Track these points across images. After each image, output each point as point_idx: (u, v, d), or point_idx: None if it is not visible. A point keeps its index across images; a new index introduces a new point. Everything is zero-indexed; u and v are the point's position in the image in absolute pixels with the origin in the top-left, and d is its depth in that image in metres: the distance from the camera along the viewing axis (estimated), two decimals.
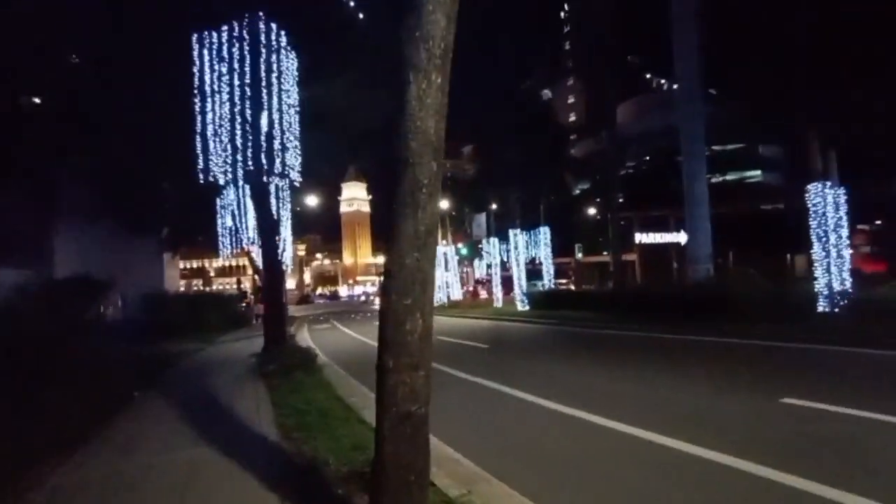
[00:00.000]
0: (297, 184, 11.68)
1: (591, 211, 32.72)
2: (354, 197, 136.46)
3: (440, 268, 30.40)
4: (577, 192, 34.76)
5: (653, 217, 33.83)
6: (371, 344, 13.66)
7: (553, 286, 20.68)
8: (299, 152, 11.57)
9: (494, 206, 27.07)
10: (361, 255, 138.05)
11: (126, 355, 12.29)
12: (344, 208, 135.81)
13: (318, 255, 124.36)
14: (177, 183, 21.63)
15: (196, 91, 10.38)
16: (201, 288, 53.34)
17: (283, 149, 10.86)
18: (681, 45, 13.25)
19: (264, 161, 10.64)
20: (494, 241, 23.13)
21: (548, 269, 20.19)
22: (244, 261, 75.53)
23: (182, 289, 36.15)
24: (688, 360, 7.94)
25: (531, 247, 33.36)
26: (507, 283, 32.21)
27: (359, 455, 3.75)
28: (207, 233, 23.70)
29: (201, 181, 10.45)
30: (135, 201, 20.26)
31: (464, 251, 32.30)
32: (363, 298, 69.89)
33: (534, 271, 23.27)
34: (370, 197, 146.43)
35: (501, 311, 18.83)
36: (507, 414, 5.43)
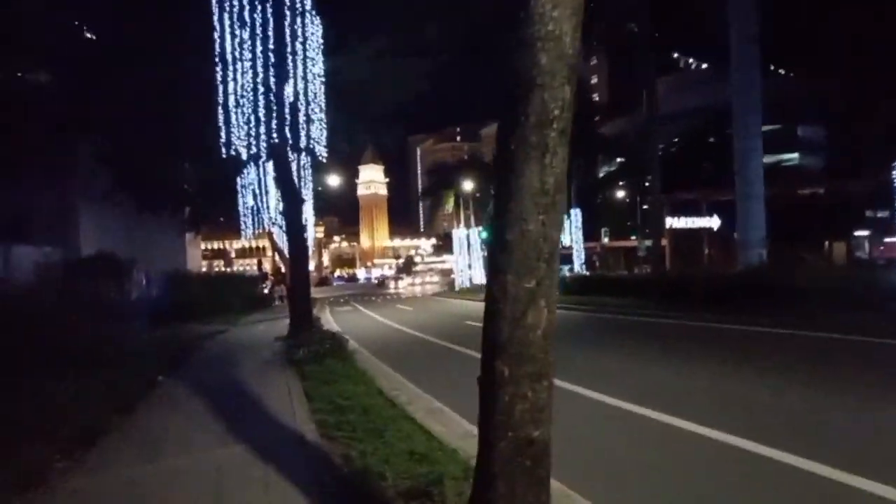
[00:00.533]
0: (322, 159, 11.03)
1: (620, 194, 31.47)
2: (372, 179, 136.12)
3: (462, 250, 29.69)
4: (602, 174, 33.48)
5: (684, 201, 32.45)
6: (399, 328, 13.32)
7: (585, 271, 19.81)
8: (325, 125, 10.91)
9: None
10: (379, 237, 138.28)
11: (150, 336, 12.01)
12: (361, 191, 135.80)
13: (336, 238, 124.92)
14: (197, 161, 21.28)
15: (217, 59, 9.73)
16: (223, 269, 53.76)
17: (309, 121, 10.21)
18: (737, 2, 12.04)
19: (289, 135, 10.02)
20: None
21: (578, 253, 19.32)
22: (265, 242, 76.28)
23: (204, 269, 36.28)
24: (770, 354, 7.11)
25: None
26: None
27: (418, 466, 3.13)
28: (228, 213, 23.42)
29: (223, 155, 9.87)
30: (155, 180, 19.86)
31: (484, 234, 31.38)
32: (376, 281, 69.82)
33: (560, 255, 22.47)
34: (387, 179, 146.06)
35: None
36: (607, 427, 4.46)
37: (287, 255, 25.51)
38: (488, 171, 27.23)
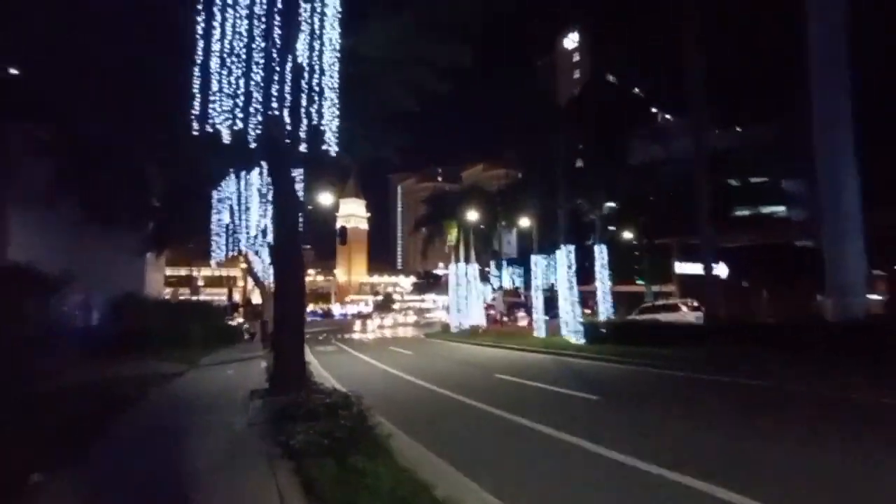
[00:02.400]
0: (332, 152, 8.35)
1: (627, 235, 29.68)
2: (353, 213, 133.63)
3: (460, 289, 26.96)
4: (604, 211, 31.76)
5: (690, 245, 30.94)
6: (414, 381, 10.23)
7: (612, 316, 17.28)
8: (337, 108, 8.30)
9: (525, 223, 23.83)
10: (356, 272, 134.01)
11: (74, 378, 8.69)
12: (341, 224, 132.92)
13: (311, 271, 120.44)
14: (166, 150, 17.76)
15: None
16: (188, 297, 49.24)
17: (321, 95, 7.65)
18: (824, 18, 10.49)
19: (288, 119, 7.43)
20: (538, 259, 19.73)
21: (604, 294, 16.88)
22: (236, 271, 71.51)
23: (167, 297, 32.19)
24: None
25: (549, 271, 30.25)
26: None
27: None
28: (199, 232, 20.17)
29: (195, 131, 7.10)
30: (107, 183, 16.37)
31: (504, 269, 28.87)
32: (355, 317, 65.84)
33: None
34: (368, 214, 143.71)
35: (551, 344, 15.42)
36: None
37: (267, 284, 22.26)
38: (493, 203, 25.02)
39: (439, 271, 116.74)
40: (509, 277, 36.21)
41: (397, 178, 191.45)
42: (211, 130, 7.02)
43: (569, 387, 8.29)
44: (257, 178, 15.78)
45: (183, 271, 66.24)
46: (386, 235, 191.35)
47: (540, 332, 18.85)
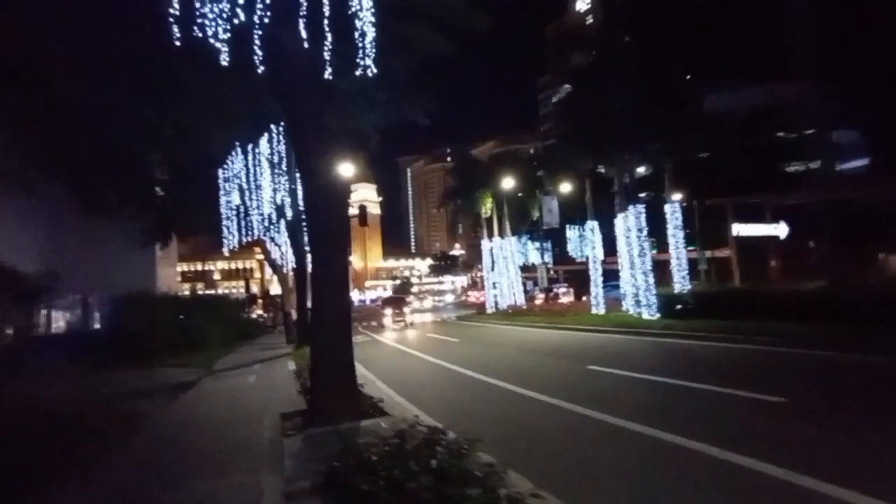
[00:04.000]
0: (371, 71, 5.93)
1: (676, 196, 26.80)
2: (365, 198, 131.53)
3: (496, 265, 24.53)
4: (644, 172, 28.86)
5: (748, 205, 28.02)
6: (478, 377, 7.47)
7: (691, 287, 14.71)
8: (374, 32, 5.86)
9: (567, 188, 21.14)
10: (371, 258, 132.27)
11: (56, 396, 6.68)
12: (353, 211, 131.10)
13: None
14: (162, 145, 15.56)
15: None
16: (204, 292, 47.78)
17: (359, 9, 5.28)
18: None
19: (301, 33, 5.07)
20: (594, 225, 17.15)
21: (679, 262, 14.35)
22: (252, 262, 70.14)
23: (181, 293, 30.38)
24: None
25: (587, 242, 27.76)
26: (584, 282, 26.34)
27: None
28: (207, 217, 18.01)
29: (176, 38, 4.76)
30: (92, 159, 13.94)
31: (528, 244, 26.23)
32: (379, 303, 63.80)
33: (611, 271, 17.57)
34: (380, 198, 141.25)
35: (619, 321, 13.06)
36: None
37: (285, 272, 20.11)
38: (531, 168, 22.22)
39: (456, 252, 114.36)
40: (536, 252, 33.69)
41: (405, 161, 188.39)
42: (200, 38, 4.70)
43: (711, 381, 5.97)
44: (267, 147, 13.56)
45: (199, 266, 65.20)
46: (398, 219, 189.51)
47: (599, 307, 16.46)
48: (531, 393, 6.14)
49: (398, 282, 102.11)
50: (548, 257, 33.97)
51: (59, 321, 11.71)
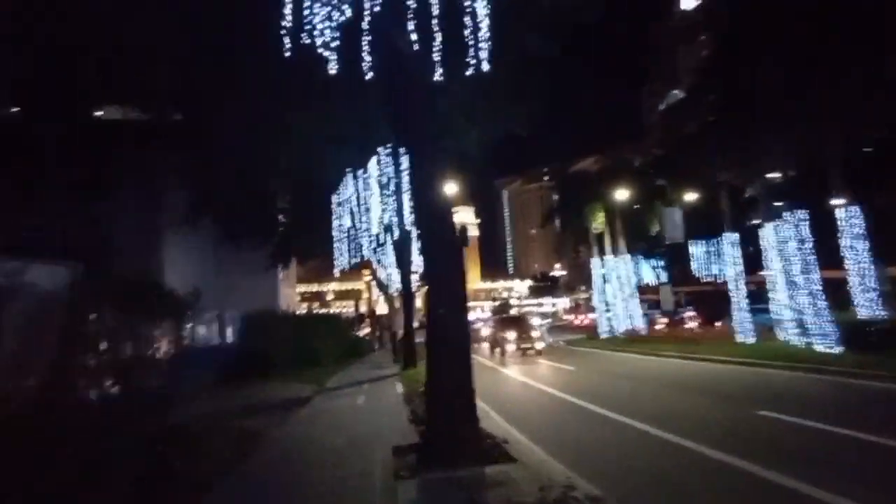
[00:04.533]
0: (484, 66, 5.40)
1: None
2: (463, 221, 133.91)
3: (608, 286, 22.50)
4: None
5: None
6: (613, 417, 6.15)
7: (885, 312, 11.50)
8: (488, 23, 5.39)
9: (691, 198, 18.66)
10: (470, 279, 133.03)
11: (183, 411, 7.05)
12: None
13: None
14: (286, 179, 17.51)
15: None
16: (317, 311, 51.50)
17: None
18: None
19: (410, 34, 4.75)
20: (734, 238, 14.44)
21: (863, 280, 11.37)
22: (360, 284, 74.70)
23: (298, 312, 32.90)
24: None
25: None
26: (714, 305, 23.15)
27: None
28: (322, 240, 19.26)
29: (286, 49, 4.70)
30: (235, 199, 16.21)
31: (640, 262, 23.63)
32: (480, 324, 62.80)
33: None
34: (478, 220, 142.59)
35: (780, 353, 10.54)
36: None
37: (391, 292, 20.62)
38: (648, 179, 19.99)
39: (556, 272, 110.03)
40: (651, 271, 30.49)
41: (501, 182, 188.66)
42: (305, 39, 4.57)
43: None
44: (375, 169, 13.94)
45: (314, 287, 71.03)
46: (495, 241, 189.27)
47: (746, 335, 13.81)
48: (693, 444, 4.90)
49: (497, 303, 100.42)
50: (664, 276, 30.62)
51: (201, 335, 12.86)
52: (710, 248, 24.82)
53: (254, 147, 13.67)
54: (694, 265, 25.15)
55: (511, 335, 17.58)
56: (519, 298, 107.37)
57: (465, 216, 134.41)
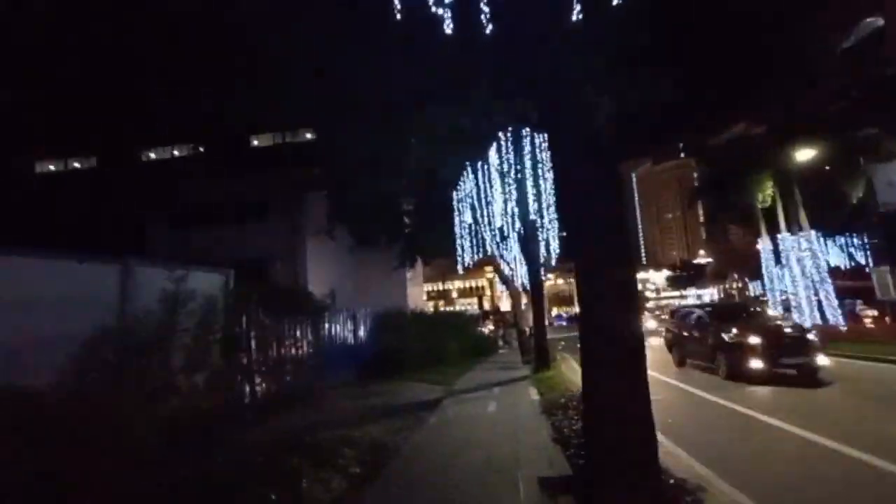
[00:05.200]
0: None
1: None
2: None
3: (785, 272, 18.46)
4: None
5: None
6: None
7: None
8: None
9: None
10: None
11: (310, 423, 7.07)
12: None
13: (549, 275, 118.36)
14: (409, 180, 18.06)
15: None
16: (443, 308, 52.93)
17: None
18: None
19: None
20: None
21: None
22: (483, 281, 75.05)
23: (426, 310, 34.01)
24: None
25: None
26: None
27: None
28: (445, 237, 19.37)
29: (397, 10, 4.11)
30: (366, 207, 17.16)
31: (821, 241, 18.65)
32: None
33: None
34: None
35: None
36: None
37: (516, 285, 19.79)
38: (841, 131, 15.32)
39: (701, 259, 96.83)
40: (839, 252, 24.50)
41: (626, 167, 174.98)
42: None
43: None
44: (495, 159, 13.19)
45: (440, 286, 73.48)
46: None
47: None
48: None
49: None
50: (860, 258, 24.38)
51: (337, 334, 13.48)
52: None
53: (377, 152, 14.16)
54: None
55: (754, 340, 9.17)
56: (656, 291, 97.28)
57: None
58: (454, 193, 16.73)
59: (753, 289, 44.72)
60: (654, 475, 3.11)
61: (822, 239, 23.18)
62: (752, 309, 13.36)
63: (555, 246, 12.32)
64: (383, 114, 12.14)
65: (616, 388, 3.14)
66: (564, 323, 69.80)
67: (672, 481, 3.51)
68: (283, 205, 20.70)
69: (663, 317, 42.42)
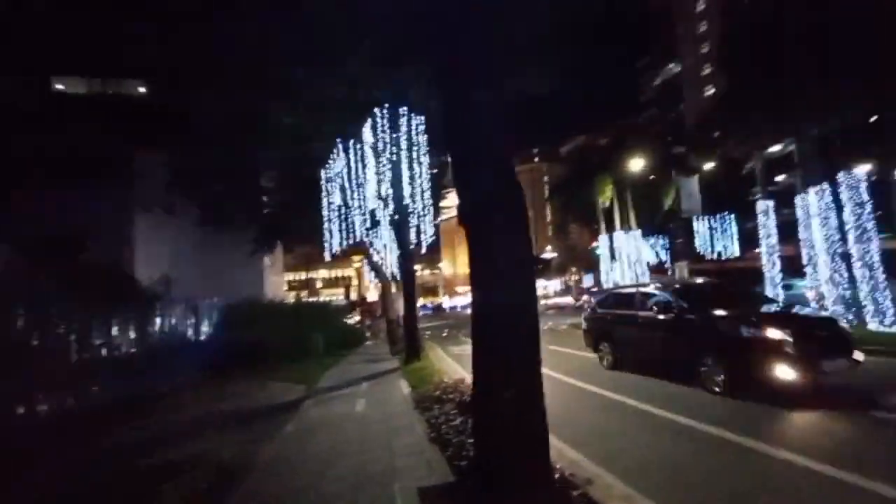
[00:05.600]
0: None
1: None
2: (454, 204, 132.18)
3: (616, 265, 21.19)
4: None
5: None
6: (615, 398, 5.26)
7: None
8: None
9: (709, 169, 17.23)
10: (461, 265, 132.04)
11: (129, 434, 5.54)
12: (451, 213, 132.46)
13: (416, 266, 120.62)
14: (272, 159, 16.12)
15: None
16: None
17: None
18: None
19: None
20: (767, 206, 12.73)
21: None
22: (350, 271, 72.85)
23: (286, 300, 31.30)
24: None
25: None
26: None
27: None
28: (311, 224, 17.70)
29: None
30: (215, 177, 14.73)
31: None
32: (459, 309, 61.80)
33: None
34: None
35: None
36: None
37: (388, 274, 19.13)
38: (663, 147, 18.42)
39: (546, 255, 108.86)
40: (650, 249, 29.28)
41: None
42: None
43: None
44: (370, 135, 12.32)
45: (302, 275, 69.14)
46: None
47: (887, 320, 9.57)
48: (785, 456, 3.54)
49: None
50: (663, 255, 29.42)
51: (172, 329, 11.32)
52: (714, 223, 23.57)
53: (235, 113, 12.32)
54: (698, 241, 23.96)
55: (777, 335, 5.72)
56: None
57: (455, 199, 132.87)
58: (322, 172, 15.34)
59: (586, 281, 51.18)
60: (544, 468, 2.81)
61: (650, 238, 27.50)
62: (735, 290, 9.03)
63: (429, 231, 12.00)
64: (246, 70, 10.51)
65: (507, 377, 2.73)
66: (430, 312, 71.71)
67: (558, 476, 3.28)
68: (106, 169, 16.77)
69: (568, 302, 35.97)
